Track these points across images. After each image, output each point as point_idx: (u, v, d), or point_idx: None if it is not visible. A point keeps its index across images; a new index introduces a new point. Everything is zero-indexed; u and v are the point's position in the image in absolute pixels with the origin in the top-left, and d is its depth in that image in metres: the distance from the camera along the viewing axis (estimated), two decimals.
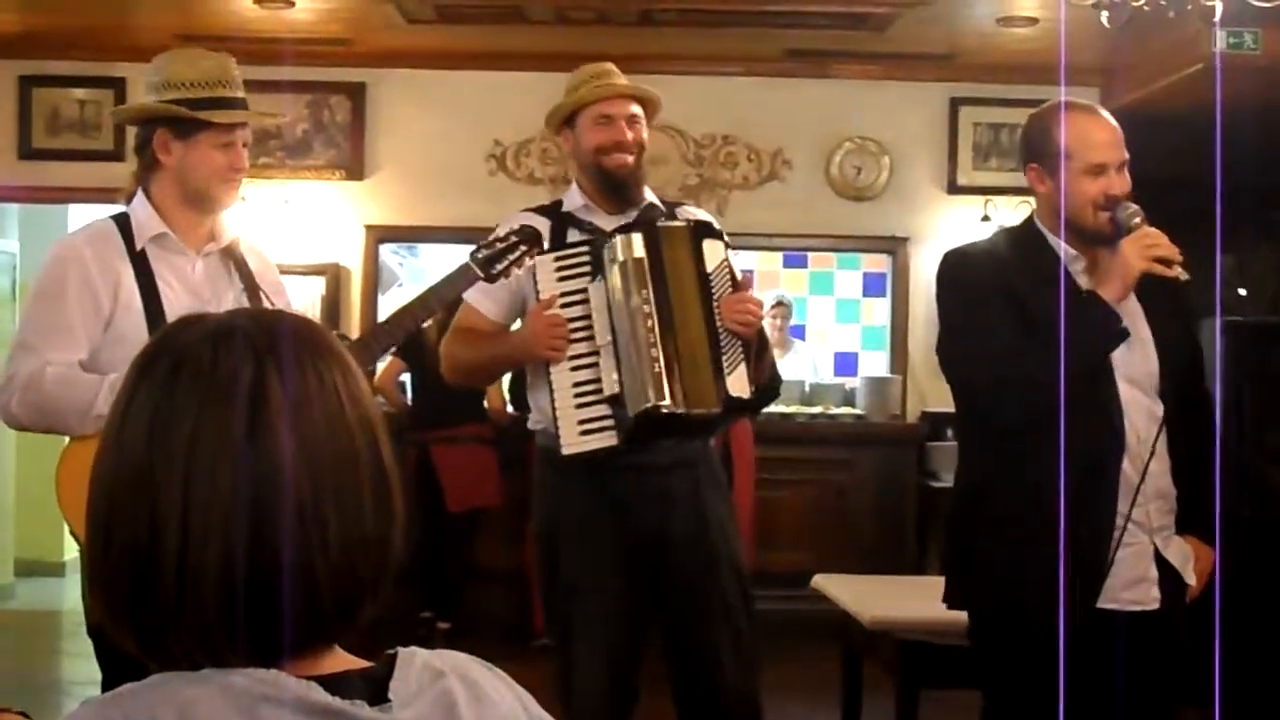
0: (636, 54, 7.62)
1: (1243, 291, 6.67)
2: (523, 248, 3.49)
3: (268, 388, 1.14)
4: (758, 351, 3.66)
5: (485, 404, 7.20)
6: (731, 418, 3.68)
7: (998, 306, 3.11)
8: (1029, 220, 3.27)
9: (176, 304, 3.13)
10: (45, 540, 8.52)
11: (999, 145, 7.99)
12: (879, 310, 8.43)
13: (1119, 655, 3.03)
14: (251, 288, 3.28)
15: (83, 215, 7.39)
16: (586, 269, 3.58)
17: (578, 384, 3.54)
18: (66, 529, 3.14)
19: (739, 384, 3.55)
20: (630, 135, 3.67)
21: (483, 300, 3.71)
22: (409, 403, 7.28)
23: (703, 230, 3.65)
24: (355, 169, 7.94)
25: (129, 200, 3.24)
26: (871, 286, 8.51)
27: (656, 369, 3.47)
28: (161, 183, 3.20)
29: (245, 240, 3.40)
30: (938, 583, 3.34)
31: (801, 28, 7.21)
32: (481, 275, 3.46)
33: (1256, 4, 4.26)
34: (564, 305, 3.55)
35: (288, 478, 1.12)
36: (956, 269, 3.26)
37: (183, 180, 3.18)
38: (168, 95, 3.14)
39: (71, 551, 8.44)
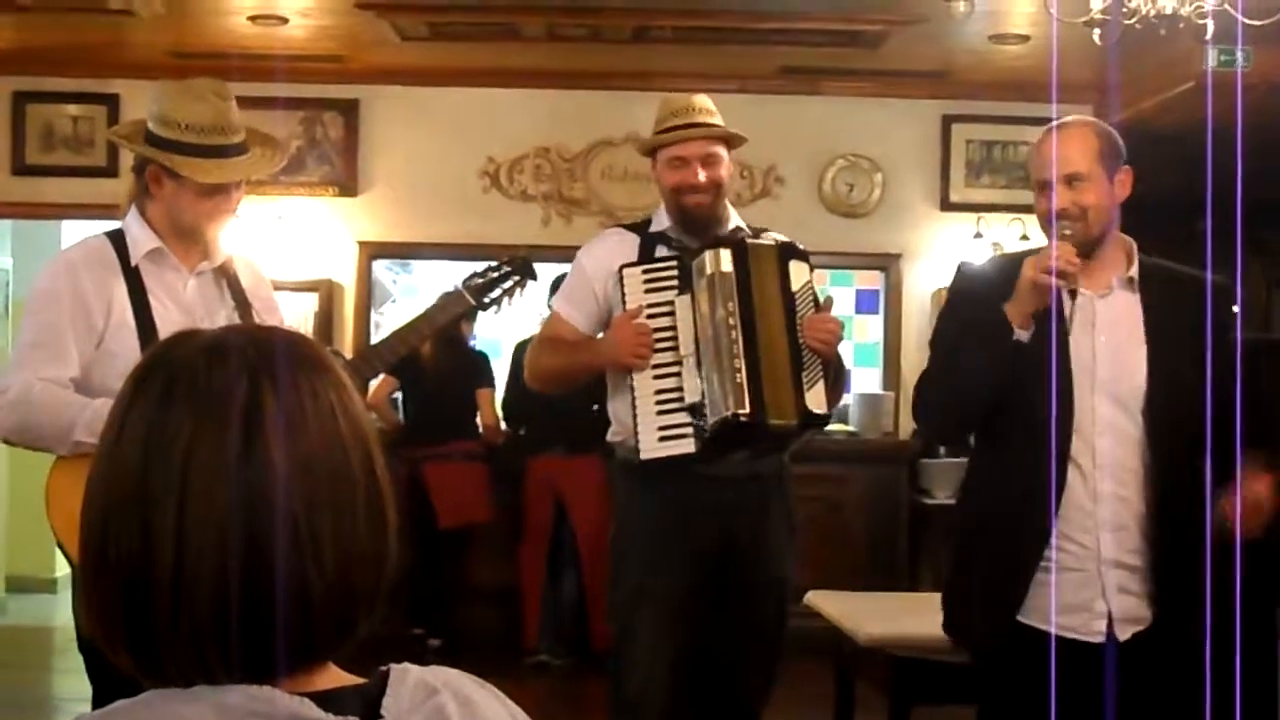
0: (630, 71, 7.65)
1: (1234, 308, 6.67)
2: (515, 277, 3.53)
3: (262, 404, 1.14)
4: (835, 371, 3.78)
5: (478, 421, 7.21)
6: (807, 432, 3.79)
7: (959, 324, 3.17)
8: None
9: (169, 321, 3.14)
10: (36, 556, 8.49)
11: (991, 162, 8.01)
12: (872, 327, 8.43)
13: (1062, 682, 2.99)
14: (244, 306, 3.29)
15: (76, 231, 7.39)
16: (674, 283, 3.70)
17: (660, 392, 3.67)
18: (57, 545, 3.14)
19: (816, 400, 3.68)
20: (704, 176, 3.76)
21: (570, 310, 3.86)
22: (401, 419, 7.28)
23: (789, 251, 3.78)
24: (348, 185, 7.95)
25: (124, 215, 3.25)
26: (864, 303, 8.50)
27: (738, 379, 3.59)
28: (154, 208, 3.22)
29: (240, 256, 3.40)
30: (931, 599, 3.37)
31: (795, 45, 7.23)
32: (473, 302, 3.49)
33: (1248, 22, 4.27)
34: (650, 316, 3.68)
35: (282, 494, 1.12)
36: (955, 280, 3.35)
37: (171, 214, 3.19)
38: (163, 131, 3.13)
39: (63, 568, 8.41)
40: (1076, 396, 3.05)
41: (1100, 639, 3.06)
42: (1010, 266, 3.23)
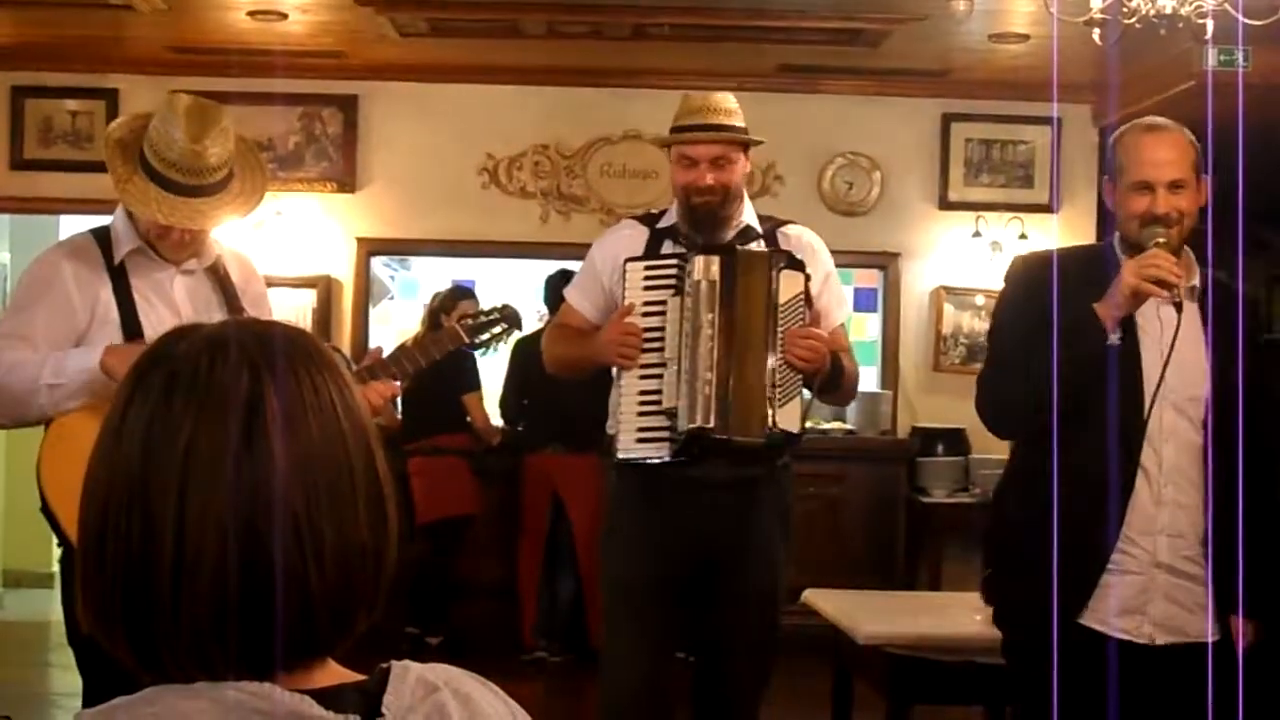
0: (629, 69, 7.65)
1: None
2: (504, 325, 3.70)
3: (263, 399, 1.14)
4: (833, 380, 3.74)
5: (468, 419, 7.18)
6: (779, 448, 3.72)
7: (1030, 312, 3.13)
8: (1111, 240, 3.30)
9: (154, 318, 3.15)
10: (34, 551, 8.48)
11: (991, 161, 8.01)
12: (870, 325, 8.43)
13: (1107, 682, 3.00)
14: (234, 306, 3.29)
15: (74, 226, 7.35)
16: (673, 281, 3.69)
17: (644, 392, 3.67)
18: (54, 539, 3.13)
19: (789, 417, 3.62)
20: (711, 179, 3.73)
21: (580, 300, 3.91)
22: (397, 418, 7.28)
23: (782, 259, 3.71)
24: (347, 181, 7.94)
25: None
26: (863, 302, 8.50)
27: (707, 391, 3.57)
28: None
29: (231, 251, 3.41)
30: (929, 598, 3.37)
31: (794, 43, 7.22)
32: (466, 341, 3.63)
33: (1248, 22, 4.27)
34: (644, 314, 3.68)
35: (283, 488, 1.12)
36: (1015, 271, 3.33)
37: (139, 223, 3.21)
38: (147, 149, 3.15)
39: None
40: (1146, 403, 3.05)
41: (1148, 642, 3.07)
42: (1083, 262, 3.21)
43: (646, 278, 3.71)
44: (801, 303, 3.68)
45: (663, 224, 3.86)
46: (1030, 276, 3.25)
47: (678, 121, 3.82)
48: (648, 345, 3.67)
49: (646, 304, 3.69)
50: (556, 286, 6.51)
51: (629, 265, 3.73)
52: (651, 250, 3.80)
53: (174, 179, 3.11)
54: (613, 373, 3.85)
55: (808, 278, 3.72)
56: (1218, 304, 3.07)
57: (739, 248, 3.74)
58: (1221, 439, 3.06)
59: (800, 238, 3.88)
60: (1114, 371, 3.00)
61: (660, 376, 3.65)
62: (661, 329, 3.67)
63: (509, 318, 3.71)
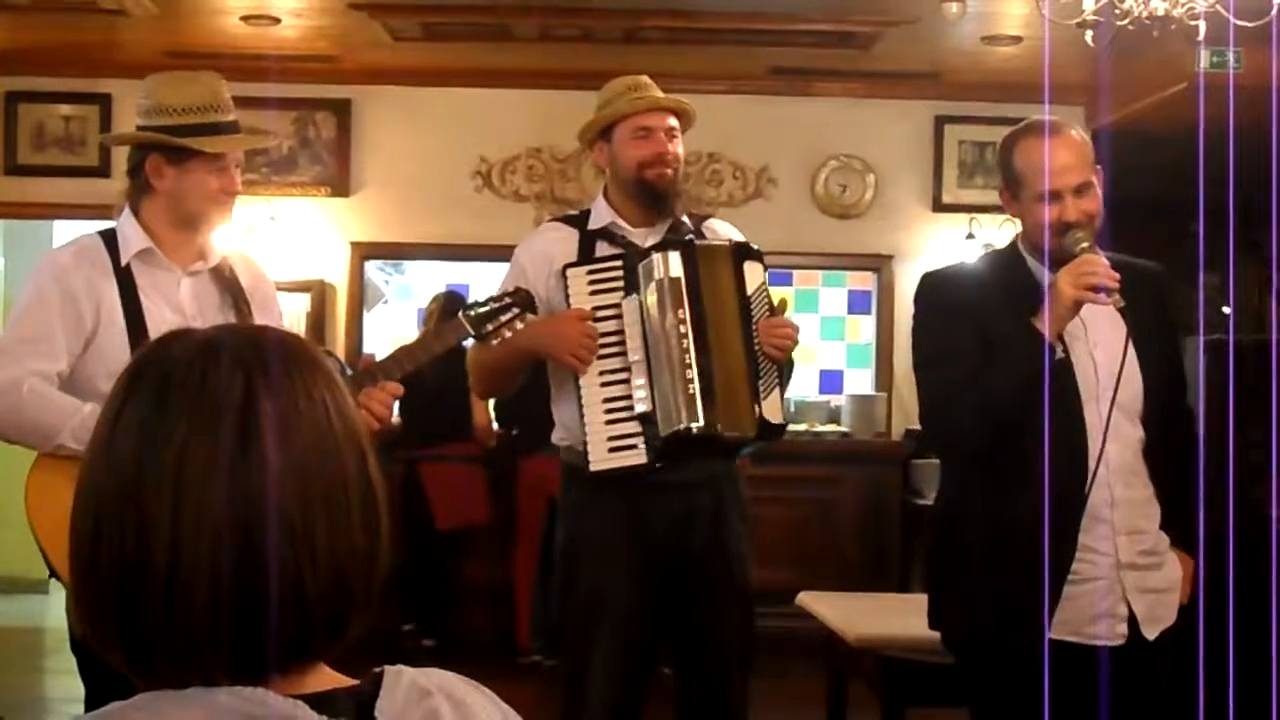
0: (621, 72, 7.58)
1: (1226, 310, 6.69)
2: (515, 310, 3.46)
3: (257, 403, 1.13)
4: (791, 369, 3.70)
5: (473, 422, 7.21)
6: (763, 441, 3.65)
7: (959, 333, 3.08)
8: (1013, 242, 3.26)
9: (160, 321, 3.13)
10: (27, 557, 8.43)
11: (984, 163, 8.01)
12: (864, 328, 8.44)
13: (1090, 691, 2.98)
14: (241, 308, 3.28)
15: (67, 231, 7.38)
16: (619, 283, 3.57)
17: (608, 399, 3.54)
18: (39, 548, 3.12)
19: (772, 408, 3.58)
20: (670, 147, 3.65)
21: None
22: (394, 422, 7.28)
23: (744, 251, 3.64)
24: (341, 186, 7.95)
25: (119, 215, 3.25)
26: (856, 304, 8.51)
27: (691, 390, 3.47)
28: (153, 205, 3.21)
29: (237, 254, 3.40)
30: (922, 600, 3.35)
31: (786, 46, 7.23)
32: (473, 333, 3.44)
33: (1239, 23, 4.28)
34: (597, 320, 3.55)
35: (277, 493, 1.12)
36: (929, 291, 3.23)
37: (176, 204, 3.19)
38: (158, 120, 3.14)
39: None
40: (1085, 408, 3.03)
41: (1122, 641, 3.05)
42: (997, 270, 3.20)
43: (591, 282, 3.57)
44: (766, 292, 3.62)
45: (593, 225, 3.71)
46: (947, 291, 3.20)
47: (618, 101, 3.70)
48: (606, 351, 3.54)
49: (596, 309, 3.55)
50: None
51: (570, 272, 3.58)
52: (585, 253, 3.65)
53: (212, 121, 3.15)
54: (553, 382, 3.72)
55: (765, 266, 3.66)
56: (1127, 292, 2.98)
57: (698, 242, 3.64)
58: (1153, 430, 3.09)
59: (725, 231, 3.81)
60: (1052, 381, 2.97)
61: (624, 381, 3.53)
62: (618, 333, 3.55)
63: (521, 301, 3.47)
